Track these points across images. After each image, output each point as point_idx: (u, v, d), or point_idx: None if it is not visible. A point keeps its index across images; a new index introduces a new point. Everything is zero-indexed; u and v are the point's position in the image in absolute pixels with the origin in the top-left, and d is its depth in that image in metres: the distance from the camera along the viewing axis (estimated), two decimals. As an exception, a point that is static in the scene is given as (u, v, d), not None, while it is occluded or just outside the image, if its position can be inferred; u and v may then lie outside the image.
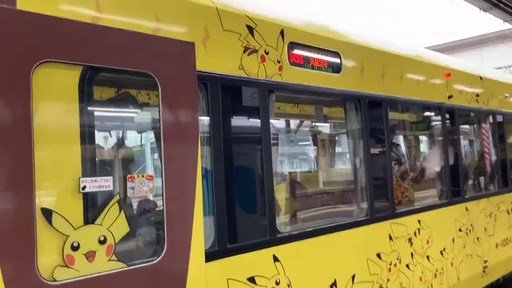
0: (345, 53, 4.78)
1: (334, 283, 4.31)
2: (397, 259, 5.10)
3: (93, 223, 2.75)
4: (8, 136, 2.45)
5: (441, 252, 5.85)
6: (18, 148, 2.47)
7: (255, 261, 3.67)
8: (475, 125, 7.85)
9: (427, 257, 5.58)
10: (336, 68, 4.68)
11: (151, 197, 3.87)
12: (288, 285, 3.87)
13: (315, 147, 7.98)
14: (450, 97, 6.42)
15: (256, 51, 3.89)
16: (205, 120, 3.51)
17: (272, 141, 4.08)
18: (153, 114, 3.68)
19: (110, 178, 2.84)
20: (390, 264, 4.98)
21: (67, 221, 2.63)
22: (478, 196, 7.00)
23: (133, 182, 2.94)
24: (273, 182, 3.97)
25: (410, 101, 5.86)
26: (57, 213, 2.59)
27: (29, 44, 2.56)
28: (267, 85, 3.96)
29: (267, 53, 3.98)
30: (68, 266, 2.60)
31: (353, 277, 4.52)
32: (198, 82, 3.34)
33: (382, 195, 5.14)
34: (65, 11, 2.79)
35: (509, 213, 7.72)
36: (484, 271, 6.79)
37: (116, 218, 2.82)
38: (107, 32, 2.90)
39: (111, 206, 2.81)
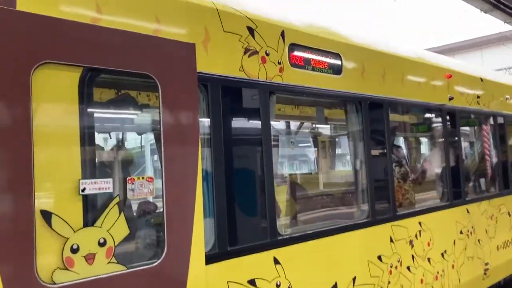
0: (346, 54, 4.77)
1: (335, 286, 4.29)
2: (398, 261, 5.08)
3: (92, 225, 2.73)
4: (8, 138, 2.43)
5: (442, 255, 5.83)
6: (17, 150, 2.46)
7: (256, 263, 3.66)
8: (476, 127, 7.84)
9: (428, 259, 5.56)
10: (336, 70, 4.67)
11: (151, 199, 3.86)
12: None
13: (316, 149, 7.97)
14: (451, 99, 6.41)
15: (256, 52, 3.88)
16: (205, 121, 3.50)
17: (272, 143, 4.07)
18: (153, 115, 3.67)
19: (110, 180, 2.82)
20: (391, 267, 4.97)
21: (67, 223, 2.61)
22: (479, 198, 6.98)
23: (133, 184, 2.92)
24: (274, 184, 3.95)
25: (411, 103, 5.85)
26: (56, 215, 2.57)
27: (29, 45, 2.54)
28: (268, 87, 3.95)
29: (267, 55, 3.96)
30: (67, 269, 2.58)
31: (354, 279, 4.50)
32: (198, 84, 3.32)
33: (383, 197, 5.12)
34: (65, 12, 2.78)
35: (510, 215, 7.69)
36: (485, 274, 6.77)
37: (116, 220, 2.80)
38: (107, 33, 2.89)
39: (111, 208, 2.80)
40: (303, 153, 10.35)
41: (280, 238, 3.91)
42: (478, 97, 7.13)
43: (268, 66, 3.95)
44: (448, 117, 6.45)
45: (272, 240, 3.81)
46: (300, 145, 9.16)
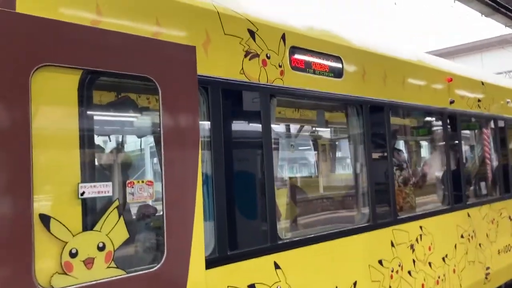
0: (346, 57, 4.75)
1: (336, 290, 4.27)
2: (399, 265, 5.05)
3: (92, 229, 2.71)
4: (7, 141, 2.41)
5: (443, 259, 5.80)
6: (16, 153, 2.44)
7: (256, 268, 3.63)
8: (476, 131, 7.82)
9: (429, 263, 5.53)
10: (337, 73, 4.65)
11: (150, 203, 3.83)
12: (289, 292, 3.82)
13: (316, 152, 7.95)
14: (452, 102, 6.40)
15: (257, 55, 3.86)
16: (205, 124, 3.48)
17: (273, 146, 4.05)
18: (153, 118, 3.64)
19: (110, 183, 2.80)
20: (392, 271, 4.94)
21: (66, 227, 2.58)
22: (480, 202, 6.96)
23: (132, 187, 2.90)
24: (274, 188, 3.93)
25: (412, 106, 5.83)
26: (55, 219, 2.55)
27: (28, 48, 2.52)
28: (269, 90, 3.93)
29: (268, 58, 3.95)
30: (66, 273, 2.56)
31: (355, 284, 4.47)
32: (198, 86, 3.31)
33: (383, 201, 5.10)
34: (65, 15, 2.76)
35: (511, 219, 7.67)
36: (486, 278, 6.74)
37: (115, 224, 2.78)
38: (107, 35, 2.87)
39: (110, 212, 2.77)
40: (303, 156, 10.33)
41: (280, 242, 3.88)
42: (479, 100, 7.12)
43: (269, 69, 3.94)
44: (449, 121, 6.43)
45: (272, 244, 3.78)
46: (300, 148, 9.15)
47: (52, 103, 2.67)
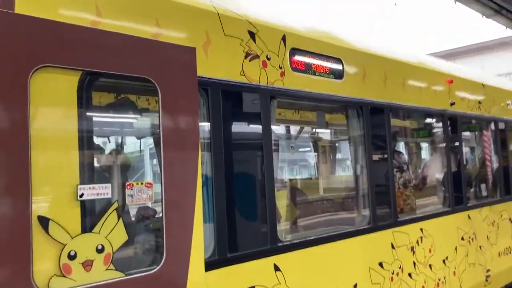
0: (347, 59, 4.74)
1: (336, 293, 4.25)
2: (400, 268, 5.03)
3: (90, 231, 2.69)
4: (5, 142, 2.40)
5: (444, 261, 5.78)
6: (15, 154, 2.42)
7: (256, 270, 3.61)
8: (477, 133, 7.81)
9: (430, 266, 5.51)
10: (338, 75, 4.64)
11: (150, 204, 3.82)
12: (289, 295, 3.81)
13: (316, 154, 7.94)
14: (452, 104, 6.39)
15: (257, 56, 3.85)
16: (205, 126, 3.46)
17: (273, 148, 4.03)
18: (153, 120, 3.63)
19: (109, 185, 2.79)
20: (393, 273, 4.92)
21: (64, 230, 2.57)
22: (481, 204, 6.95)
23: (132, 189, 2.88)
24: (274, 189, 3.91)
25: (412, 108, 5.82)
26: (53, 221, 2.53)
27: (27, 49, 2.51)
28: (269, 91, 3.92)
29: (268, 59, 3.93)
30: (64, 276, 2.54)
31: (355, 286, 4.45)
32: (198, 88, 3.29)
33: (384, 203, 5.09)
34: (65, 16, 2.75)
35: (511, 222, 7.65)
36: (486, 280, 6.72)
37: (114, 226, 2.76)
38: (107, 36, 2.86)
39: (109, 214, 2.76)
40: (303, 158, 10.31)
41: (280, 244, 3.86)
42: (479, 102, 7.11)
43: (269, 71, 3.92)
44: (449, 123, 6.42)
45: (272, 246, 3.76)
46: (300, 150, 9.13)
47: (51, 104, 2.65)
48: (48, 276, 2.49)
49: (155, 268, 2.91)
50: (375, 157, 5.06)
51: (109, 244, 2.72)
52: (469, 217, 6.45)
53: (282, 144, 6.61)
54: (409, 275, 5.17)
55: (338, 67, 4.65)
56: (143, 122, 4.15)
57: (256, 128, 3.86)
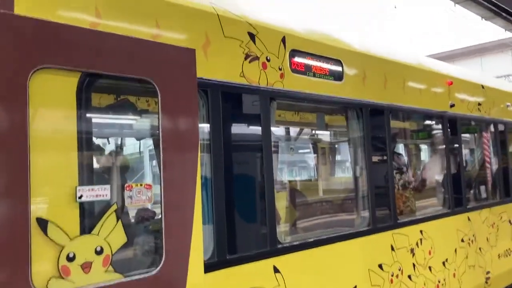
0: (347, 61, 4.74)
1: (335, 295, 4.24)
2: (399, 270, 5.02)
3: (89, 233, 2.69)
4: (4, 143, 2.39)
5: (443, 263, 5.77)
6: (14, 155, 2.41)
7: (255, 272, 3.60)
8: (476, 134, 7.81)
9: (429, 268, 5.50)
10: (338, 76, 4.64)
11: (149, 206, 3.81)
12: (289, 297, 3.80)
13: (316, 155, 7.93)
14: (452, 105, 6.38)
15: (257, 58, 3.84)
16: (205, 127, 3.46)
17: (272, 149, 4.03)
18: (152, 121, 3.62)
19: (108, 187, 2.78)
20: (392, 275, 4.91)
21: (63, 231, 2.56)
22: (480, 206, 6.94)
23: (131, 191, 2.87)
24: (274, 191, 3.91)
25: (412, 109, 5.82)
26: (52, 222, 2.53)
27: (27, 50, 2.51)
28: (269, 93, 3.91)
29: (268, 60, 3.93)
30: (63, 278, 2.53)
31: (355, 288, 4.44)
32: (198, 89, 3.29)
33: (383, 205, 5.08)
34: (64, 17, 2.74)
35: (511, 223, 7.64)
36: (486, 282, 6.71)
37: (113, 228, 2.75)
38: (106, 38, 2.85)
39: (108, 216, 2.75)
40: (303, 160, 10.31)
41: (280, 246, 3.85)
42: (479, 104, 7.11)
43: (269, 72, 3.92)
44: (449, 124, 6.42)
45: (272, 248, 3.76)
46: (300, 151, 9.13)
47: (51, 105, 2.65)
48: (46, 278, 2.48)
49: (154, 269, 2.90)
50: (375, 158, 5.05)
51: (108, 246, 2.71)
52: (468, 219, 6.44)
53: (281, 145, 6.60)
54: (409, 277, 5.16)
55: (338, 68, 4.65)
56: (143, 123, 4.15)
57: (256, 129, 3.85)
